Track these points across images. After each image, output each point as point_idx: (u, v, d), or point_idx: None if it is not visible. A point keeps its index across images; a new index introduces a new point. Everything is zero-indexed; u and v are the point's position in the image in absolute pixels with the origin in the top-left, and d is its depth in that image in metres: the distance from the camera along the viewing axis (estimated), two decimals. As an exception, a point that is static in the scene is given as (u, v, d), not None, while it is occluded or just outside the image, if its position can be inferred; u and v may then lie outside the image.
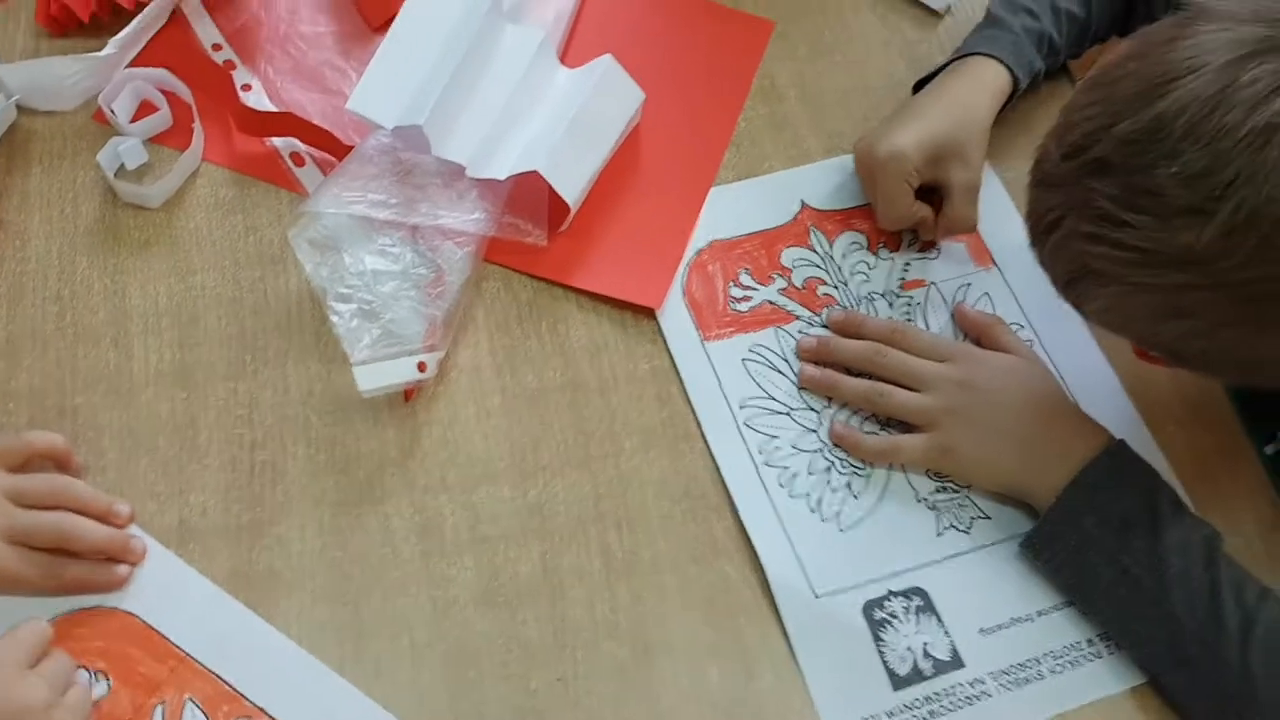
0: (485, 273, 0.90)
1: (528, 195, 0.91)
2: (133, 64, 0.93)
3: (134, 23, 0.93)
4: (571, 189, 0.89)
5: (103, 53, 0.90)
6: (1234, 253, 0.65)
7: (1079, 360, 0.93)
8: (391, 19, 0.97)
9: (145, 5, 0.93)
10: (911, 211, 0.93)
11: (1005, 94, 0.96)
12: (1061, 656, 0.82)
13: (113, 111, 0.90)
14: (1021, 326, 0.94)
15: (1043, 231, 0.74)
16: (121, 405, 0.83)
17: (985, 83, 0.95)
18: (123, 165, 0.89)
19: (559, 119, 0.91)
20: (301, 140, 0.92)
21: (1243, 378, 0.80)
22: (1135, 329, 0.76)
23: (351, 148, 0.90)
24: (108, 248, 0.87)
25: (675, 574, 0.82)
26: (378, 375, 0.82)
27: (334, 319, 0.82)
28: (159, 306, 0.86)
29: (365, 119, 0.89)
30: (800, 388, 0.90)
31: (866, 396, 0.88)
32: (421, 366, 0.83)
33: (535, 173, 0.88)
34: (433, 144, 0.87)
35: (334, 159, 0.91)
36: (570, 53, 1.00)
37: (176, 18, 0.96)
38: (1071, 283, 0.74)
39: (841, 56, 1.05)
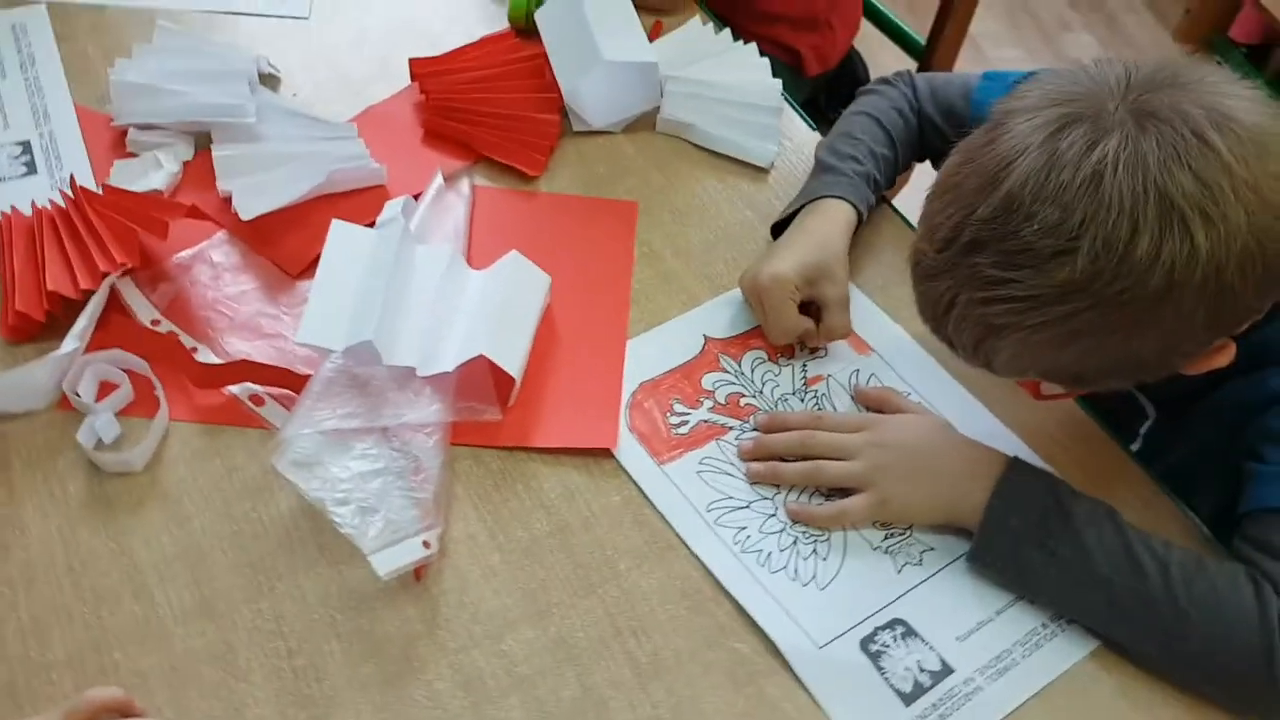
0: (456, 454, 0.95)
1: (474, 380, 0.96)
2: (87, 349, 0.95)
3: (84, 313, 0.96)
4: (513, 364, 0.96)
5: (65, 350, 0.93)
6: (1101, 273, 0.76)
7: (961, 409, 1.03)
8: (307, 265, 1.04)
9: (90, 293, 0.96)
10: (797, 324, 1.03)
11: (853, 225, 1.08)
12: (1026, 642, 0.90)
13: (78, 395, 0.92)
14: (910, 392, 1.04)
15: (942, 313, 0.84)
16: (158, 650, 0.84)
17: (837, 218, 1.07)
18: (99, 440, 0.91)
19: (486, 310, 0.98)
20: (256, 382, 0.96)
21: (1134, 377, 0.90)
22: (1041, 365, 0.85)
23: (304, 378, 0.94)
24: (104, 516, 0.89)
25: (696, 662, 0.86)
26: (391, 559, 0.85)
27: (338, 521, 0.86)
28: (166, 555, 0.87)
29: (316, 348, 0.94)
30: (751, 483, 0.96)
31: (807, 476, 0.95)
32: (426, 544, 0.87)
33: (479, 359, 0.94)
34: (382, 355, 0.93)
35: (290, 391, 0.95)
36: (473, 257, 1.07)
37: (114, 300, 0.99)
38: (979, 346, 0.84)
39: (698, 216, 1.16)
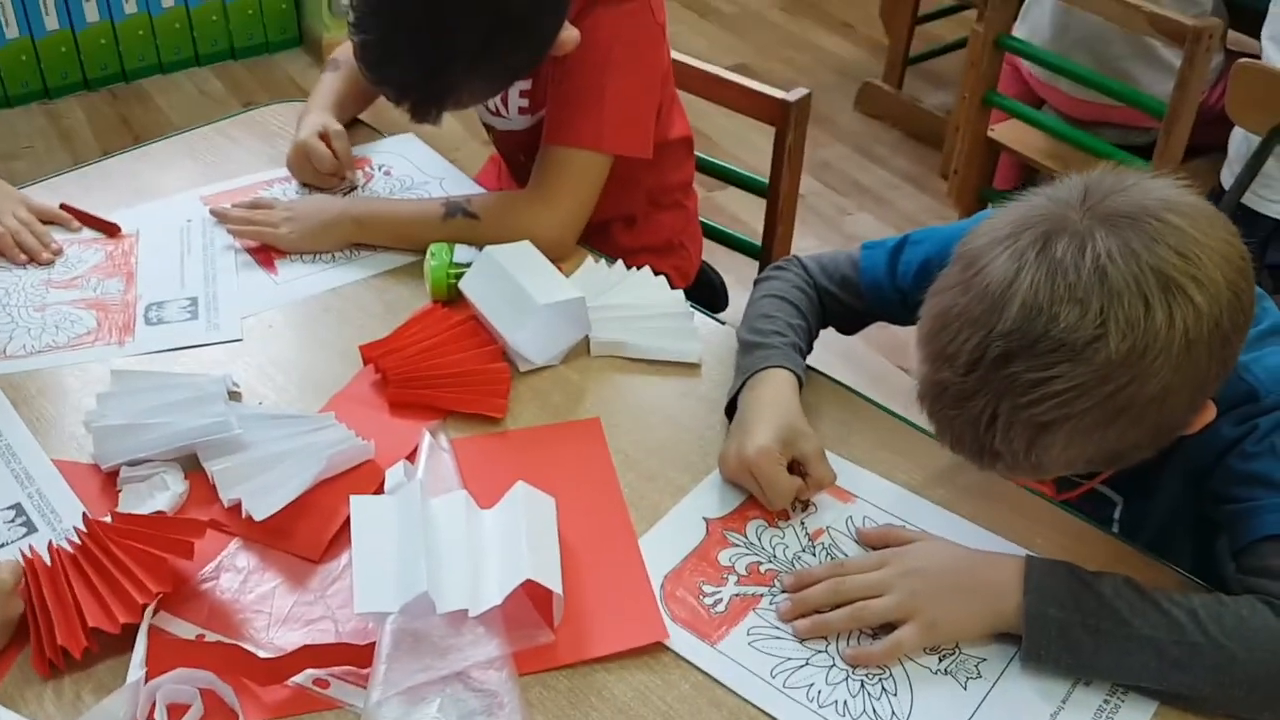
0: (523, 684, 0.89)
1: (520, 609, 0.92)
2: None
3: (138, 643, 0.88)
4: (554, 582, 0.92)
5: (132, 679, 0.85)
6: (1134, 347, 0.80)
7: (950, 528, 1.03)
8: (325, 547, 0.99)
9: (128, 624, 0.89)
10: (792, 486, 1.03)
11: (795, 386, 1.10)
12: (1100, 718, 0.88)
13: (152, 721, 0.84)
14: (901, 524, 1.04)
15: (984, 430, 0.84)
16: None
17: (782, 384, 1.09)
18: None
19: (513, 540, 0.94)
20: (319, 666, 0.89)
21: (1164, 439, 0.89)
22: (1089, 449, 0.85)
23: (364, 649, 0.88)
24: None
25: (822, 818, 0.81)
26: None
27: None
28: None
29: (375, 613, 0.89)
30: (801, 640, 0.94)
31: (853, 618, 0.94)
32: (536, 772, 0.81)
33: (517, 594, 0.90)
34: (436, 604, 0.88)
35: (352, 666, 0.89)
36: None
37: (153, 629, 0.92)
38: (1030, 448, 0.84)
39: (656, 416, 1.16)
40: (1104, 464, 0.90)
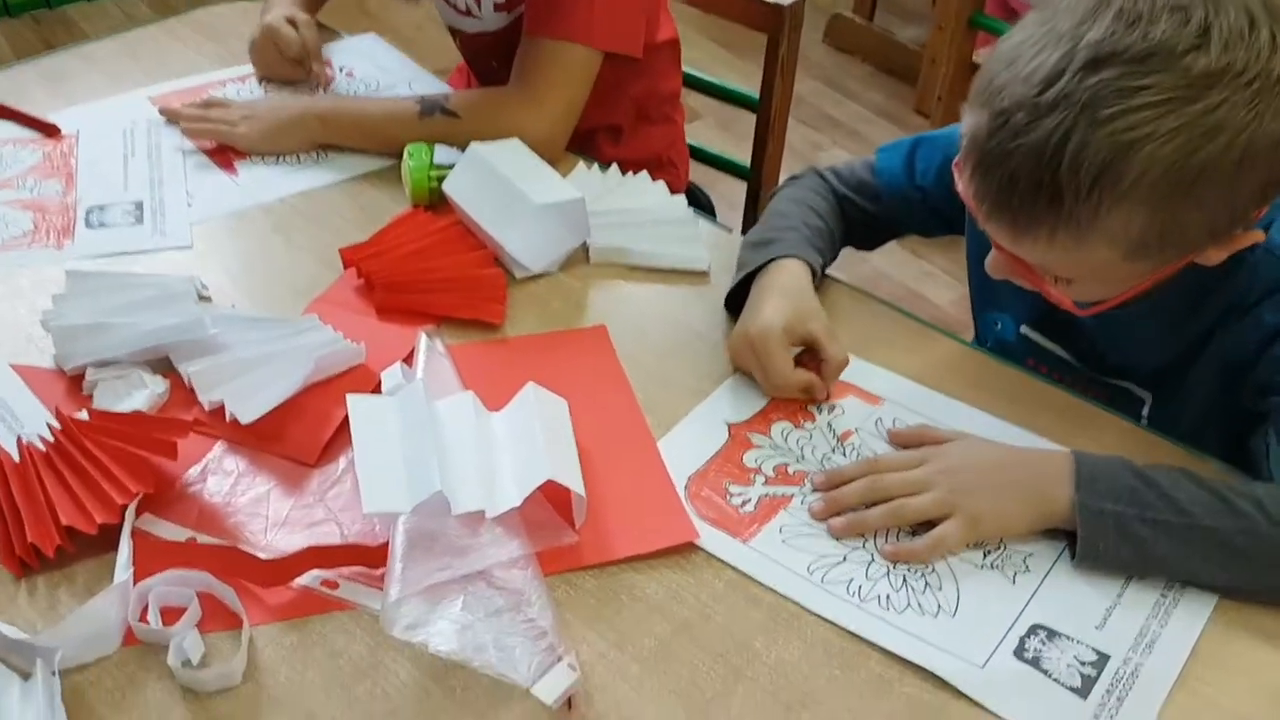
0: (550, 584, 0.90)
1: (540, 511, 0.93)
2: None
3: (123, 542, 0.87)
4: (576, 484, 0.93)
5: (119, 579, 0.84)
6: (1235, 60, 0.80)
7: (982, 427, 1.06)
8: (321, 451, 0.99)
9: (105, 527, 0.88)
10: (794, 373, 1.05)
11: (808, 276, 1.11)
12: (1157, 614, 0.91)
13: (148, 624, 0.84)
14: (934, 423, 1.07)
15: (1052, 155, 0.81)
16: None
17: (792, 271, 1.11)
18: (186, 662, 0.82)
19: (529, 441, 0.95)
20: (327, 566, 0.89)
21: (1221, 225, 0.88)
22: (1163, 185, 0.81)
23: (376, 550, 0.89)
24: (216, 742, 0.79)
25: (876, 714, 0.83)
26: (553, 687, 0.79)
27: (482, 667, 0.80)
28: (301, 758, 0.79)
29: (385, 514, 0.89)
30: (837, 539, 0.96)
31: (892, 516, 0.96)
32: (572, 666, 0.82)
33: (536, 494, 0.91)
34: (452, 504, 0.89)
35: (363, 567, 0.89)
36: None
37: (136, 533, 0.91)
38: (1099, 178, 0.81)
39: (665, 325, 1.16)
40: (1148, 247, 0.86)
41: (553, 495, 0.93)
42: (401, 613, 0.83)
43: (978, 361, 1.15)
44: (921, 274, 2.48)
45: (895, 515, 0.95)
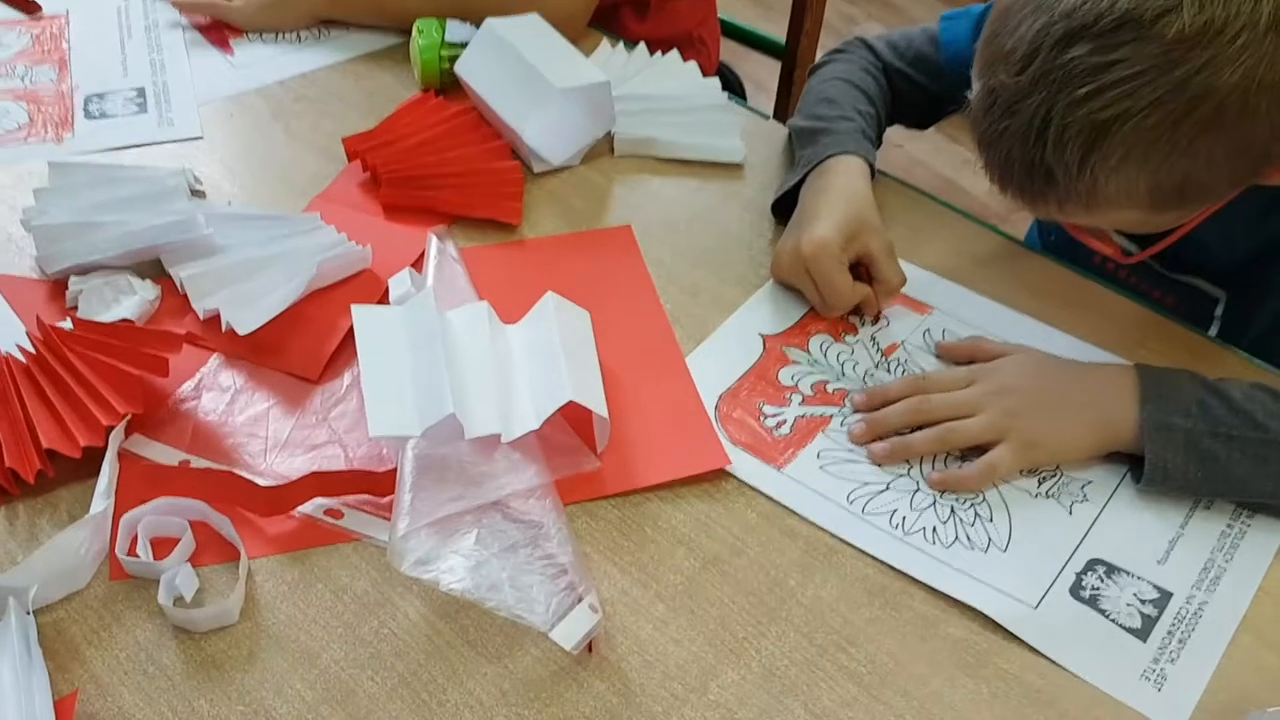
0: (569, 514, 0.86)
1: (560, 434, 0.88)
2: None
3: (105, 468, 0.83)
4: (599, 406, 0.88)
5: (96, 510, 0.81)
6: (1212, 20, 0.73)
7: (1040, 339, 1.00)
8: (324, 365, 0.95)
9: (91, 448, 0.84)
10: (853, 289, 0.99)
11: (868, 175, 1.05)
12: (1222, 546, 0.86)
13: (137, 557, 0.80)
14: (990, 336, 1.01)
15: (1035, 139, 0.78)
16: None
17: (852, 171, 1.04)
18: (179, 599, 0.79)
19: (547, 358, 0.90)
20: (330, 494, 0.85)
21: (1237, 177, 0.83)
22: (1151, 166, 0.78)
23: (384, 476, 0.85)
24: (218, 680, 0.76)
25: (919, 660, 0.79)
26: (572, 630, 0.76)
27: (497, 609, 0.76)
28: (307, 700, 0.75)
29: (393, 438, 0.85)
30: (878, 464, 0.92)
31: (940, 441, 0.91)
32: (593, 607, 0.78)
33: (556, 417, 0.86)
34: (465, 428, 0.84)
35: (369, 495, 0.86)
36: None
37: (125, 456, 0.87)
38: (1086, 158, 0.78)
39: (697, 224, 1.11)
40: (1169, 200, 0.82)
41: (573, 417, 0.88)
42: (410, 547, 0.79)
43: (1033, 263, 1.09)
44: (959, 162, 2.38)
45: (943, 440, 0.91)
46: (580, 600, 0.78)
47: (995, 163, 0.84)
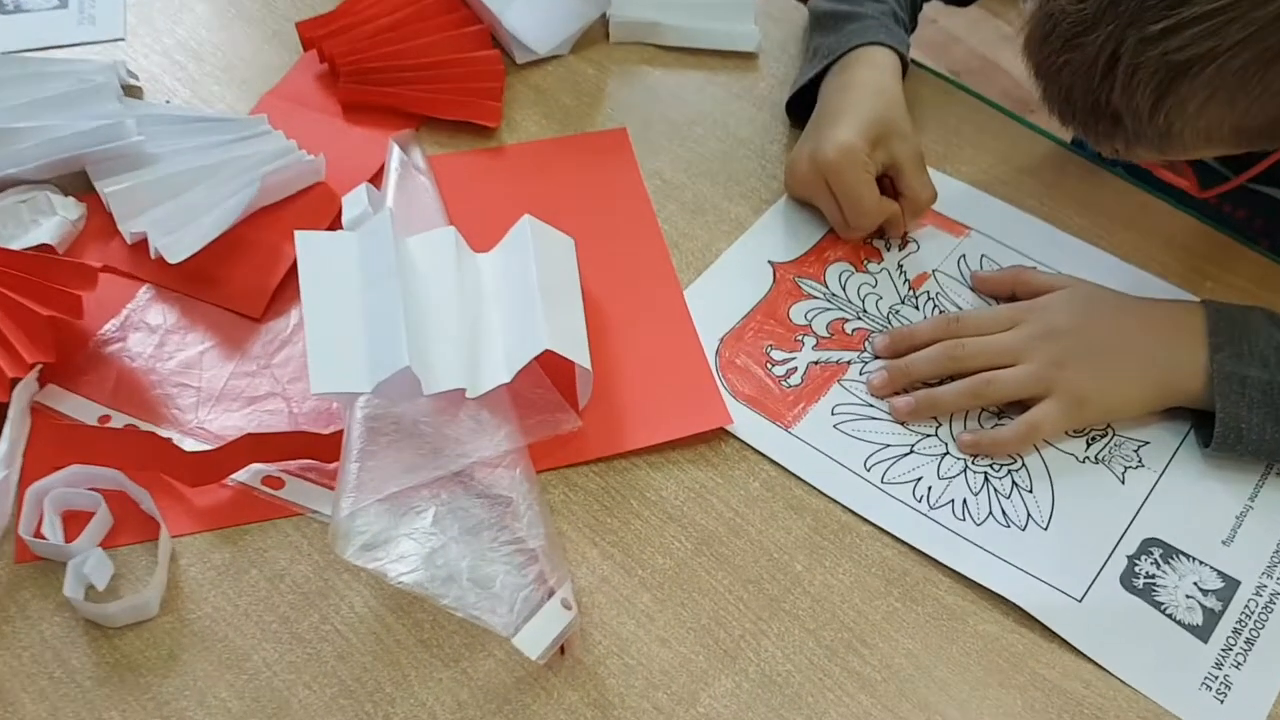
0: (542, 484, 0.76)
1: (536, 388, 0.78)
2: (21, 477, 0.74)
3: (5, 431, 0.74)
4: (582, 355, 0.78)
5: (-2, 478, 0.72)
6: None
7: (1095, 267, 0.89)
8: (269, 300, 0.84)
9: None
10: (881, 203, 0.88)
11: (898, 71, 0.93)
12: (1300, 523, 0.77)
13: (44, 538, 0.71)
14: (1031, 263, 0.90)
15: (1101, 77, 0.68)
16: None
17: (880, 65, 0.91)
18: (90, 588, 0.70)
19: (521, 296, 0.79)
20: (268, 460, 0.76)
21: None
22: (1238, 111, 0.68)
23: (329, 439, 0.75)
24: (132, 685, 0.67)
25: (943, 663, 0.70)
26: (539, 635, 0.67)
27: (453, 606, 0.67)
28: (232, 712, 0.66)
29: (338, 395, 0.75)
30: (901, 422, 0.81)
31: (974, 393, 0.80)
32: (566, 603, 0.69)
33: (532, 367, 0.76)
34: (424, 382, 0.74)
35: (315, 460, 0.76)
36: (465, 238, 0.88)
37: (38, 411, 0.78)
38: (1160, 102, 0.67)
39: (701, 126, 0.99)
40: (1257, 138, 0.72)
41: (552, 368, 0.78)
42: (355, 528, 0.70)
43: (1089, 173, 0.97)
44: (999, 38, 2.18)
45: (977, 394, 0.80)
46: (551, 595, 0.69)
47: (1054, 97, 0.73)
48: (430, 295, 0.79)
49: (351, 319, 0.77)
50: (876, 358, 0.84)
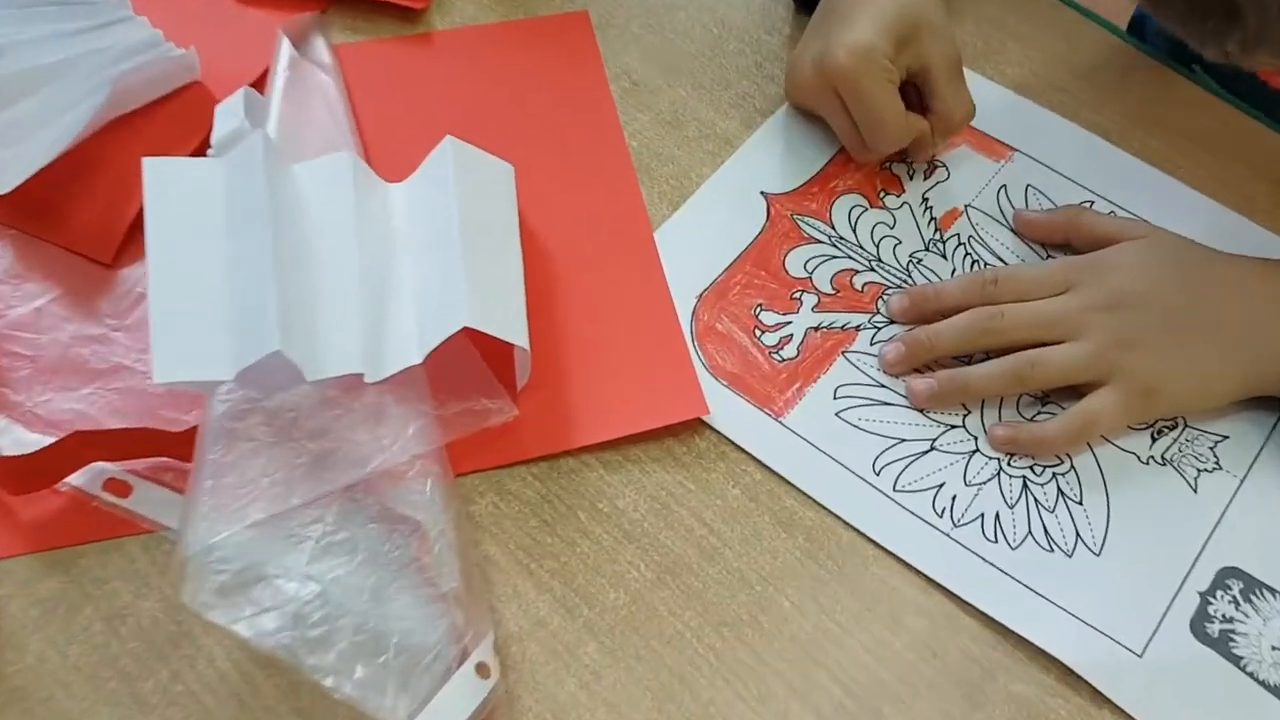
0: (466, 490, 0.62)
1: (460, 367, 0.63)
2: None
3: None
4: (516, 328, 0.62)
5: None
6: None
7: (1171, 206, 0.74)
8: (121, 240, 0.69)
9: None
10: (907, 120, 0.71)
11: None
12: None
13: None
14: (1092, 200, 0.74)
15: None
16: None
17: None
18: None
19: (441, 246, 0.63)
20: (109, 459, 0.61)
21: None
22: None
23: (183, 436, 0.60)
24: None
25: (965, 734, 0.57)
26: (449, 714, 0.53)
27: (327, 682, 0.53)
28: (50, 803, 0.54)
29: (189, 386, 0.60)
30: (922, 410, 0.66)
31: (1015, 376, 0.65)
32: (483, 670, 0.55)
33: (453, 344, 0.61)
34: (304, 368, 0.58)
35: (170, 458, 0.61)
36: (374, 162, 0.72)
37: None
38: None
39: (682, 12, 0.81)
40: None
41: (481, 338, 0.62)
42: (208, 566, 0.55)
43: (1167, 81, 0.80)
44: None
45: (1019, 377, 0.65)
46: (466, 658, 0.55)
47: None
48: (319, 245, 0.63)
49: (211, 280, 0.61)
50: (893, 321, 0.69)
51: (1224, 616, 0.60)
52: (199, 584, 0.54)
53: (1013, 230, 0.73)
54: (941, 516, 0.63)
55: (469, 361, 0.63)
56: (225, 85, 0.72)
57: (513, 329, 0.62)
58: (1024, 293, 0.67)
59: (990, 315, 0.66)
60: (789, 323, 0.68)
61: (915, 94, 0.73)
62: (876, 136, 0.71)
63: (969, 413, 0.66)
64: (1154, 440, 0.66)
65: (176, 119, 0.72)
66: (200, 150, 0.70)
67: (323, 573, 0.56)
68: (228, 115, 0.69)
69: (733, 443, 0.64)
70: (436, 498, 0.59)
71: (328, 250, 0.63)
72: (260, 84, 0.73)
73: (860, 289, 0.70)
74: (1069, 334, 0.65)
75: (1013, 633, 0.59)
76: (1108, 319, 0.65)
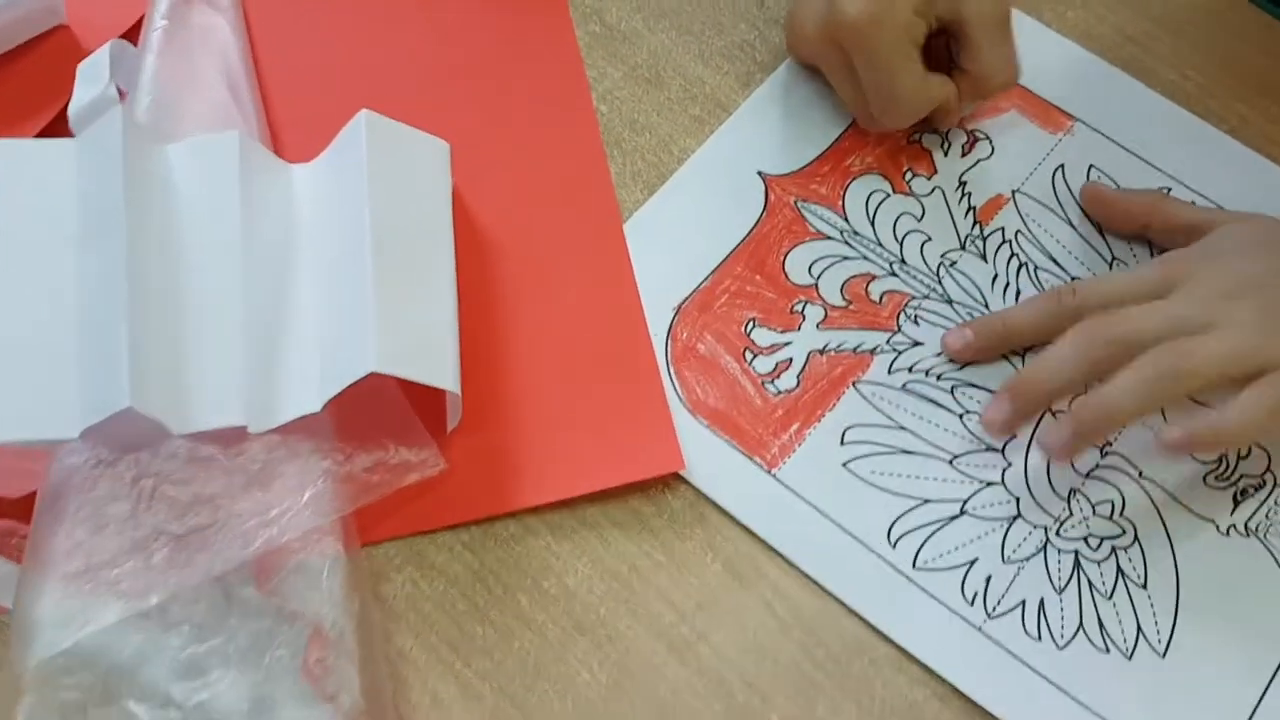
0: (376, 567, 0.52)
1: (370, 407, 0.52)
2: None
3: None
4: (440, 366, 0.51)
5: None
6: None
7: (1264, 193, 0.62)
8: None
9: None
10: (923, 89, 0.59)
11: None
12: None
13: None
14: (1169, 188, 0.62)
15: None
16: None
17: None
18: None
19: (349, 258, 0.52)
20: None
21: None
22: None
23: (21, 503, 0.50)
24: None
25: None
26: None
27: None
28: None
29: (23, 445, 0.49)
30: (1002, 448, 0.55)
31: (1171, 375, 0.51)
32: (386, 819, 0.45)
33: (367, 385, 0.50)
34: (169, 421, 0.47)
35: (11, 520, 0.51)
36: (280, 138, 0.60)
37: None
38: None
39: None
40: None
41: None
42: (51, 682, 0.45)
43: (1264, 30, 0.68)
44: None
45: (1176, 375, 0.51)
46: (361, 808, 0.45)
47: None
48: (193, 259, 0.52)
49: (54, 307, 0.50)
50: (916, 344, 0.58)
51: (1321, 746, 0.50)
52: (40, 702, 0.44)
53: (1070, 224, 0.61)
54: (973, 604, 0.52)
55: (385, 399, 0.53)
56: (98, 33, 0.61)
57: (437, 368, 0.51)
58: (1112, 295, 0.55)
59: (1101, 327, 0.53)
60: (788, 343, 0.57)
61: (944, 48, 0.60)
62: (886, 109, 0.59)
63: (1009, 465, 0.55)
64: (1236, 504, 0.55)
65: (32, 78, 0.60)
66: (60, 120, 0.58)
67: (187, 695, 0.46)
68: (90, 77, 0.57)
69: (713, 503, 0.54)
70: (335, 585, 0.49)
71: (204, 265, 0.52)
72: (129, 33, 0.61)
73: (878, 299, 0.59)
74: (1197, 325, 0.52)
75: (1056, 759, 0.49)
76: (1235, 308, 0.52)
